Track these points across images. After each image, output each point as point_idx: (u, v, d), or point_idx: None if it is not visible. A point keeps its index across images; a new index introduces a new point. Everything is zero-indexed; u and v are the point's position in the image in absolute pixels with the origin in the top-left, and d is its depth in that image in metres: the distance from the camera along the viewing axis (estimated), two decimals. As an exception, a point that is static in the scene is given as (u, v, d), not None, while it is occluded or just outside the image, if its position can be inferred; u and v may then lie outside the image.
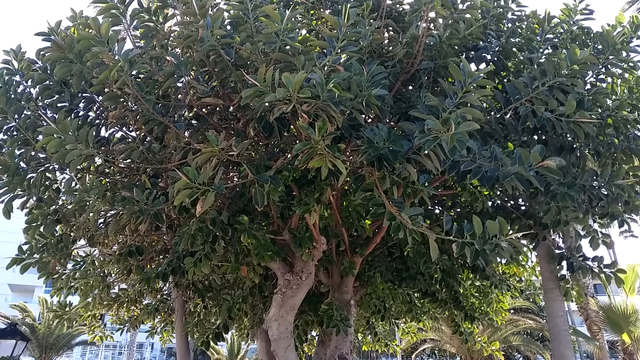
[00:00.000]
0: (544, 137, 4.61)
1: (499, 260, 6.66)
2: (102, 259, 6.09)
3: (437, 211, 6.47)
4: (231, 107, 4.41)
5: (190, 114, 4.76)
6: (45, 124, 3.67)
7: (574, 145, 4.70)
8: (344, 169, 3.11)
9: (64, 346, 24.51)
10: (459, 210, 6.21)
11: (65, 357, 35.04)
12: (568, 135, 4.48)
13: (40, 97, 4.41)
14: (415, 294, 7.43)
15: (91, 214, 4.42)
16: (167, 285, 7.76)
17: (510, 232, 3.22)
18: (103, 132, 4.95)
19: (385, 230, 5.51)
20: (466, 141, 2.95)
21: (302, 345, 7.54)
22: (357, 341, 10.37)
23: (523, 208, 5.71)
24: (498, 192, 5.74)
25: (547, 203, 4.32)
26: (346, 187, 5.47)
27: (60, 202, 4.78)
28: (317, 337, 7.46)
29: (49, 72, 4.25)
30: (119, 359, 38.00)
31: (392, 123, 4.28)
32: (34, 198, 4.47)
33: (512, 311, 21.50)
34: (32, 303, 29.08)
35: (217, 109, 4.52)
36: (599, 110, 4.21)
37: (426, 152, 3.13)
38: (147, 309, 8.01)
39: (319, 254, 5.11)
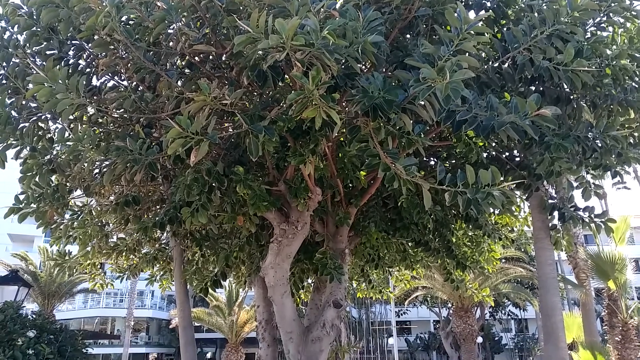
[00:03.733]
0: (541, 88, 4.56)
1: (491, 210, 6.75)
2: (99, 208, 6.13)
3: (432, 163, 6.50)
4: (224, 56, 4.32)
5: (182, 62, 4.67)
6: (34, 72, 3.60)
7: (571, 97, 4.66)
8: (339, 120, 3.09)
9: (66, 293, 25.13)
10: (453, 161, 6.23)
11: (67, 304, 36.07)
12: (565, 86, 4.44)
13: (28, 44, 4.30)
14: (409, 243, 7.58)
15: (85, 164, 4.41)
16: (165, 234, 7.86)
17: (504, 182, 3.24)
18: (94, 81, 4.87)
19: (380, 181, 5.54)
20: (461, 90, 2.91)
21: (298, 292, 7.76)
22: (352, 288, 10.67)
23: (517, 159, 5.73)
24: (493, 143, 5.74)
25: (541, 154, 4.33)
26: (341, 139, 5.45)
27: (55, 152, 4.75)
28: (312, 285, 7.67)
29: (35, 17, 4.11)
30: (121, 306, 39.03)
31: (388, 72, 4.21)
32: (28, 148, 4.44)
33: (503, 260, 22.05)
34: (32, 252, 29.53)
35: (210, 57, 4.42)
36: (598, 59, 4.15)
37: (421, 101, 3.10)
38: (146, 257, 8.15)
39: (314, 204, 5.17)
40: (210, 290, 6.81)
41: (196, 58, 4.46)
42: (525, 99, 3.34)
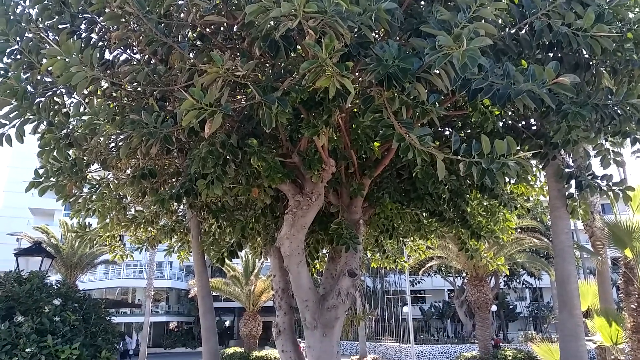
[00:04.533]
0: (559, 55, 4.44)
1: (507, 179, 6.70)
2: (116, 181, 6.23)
3: (446, 133, 6.44)
4: (235, 27, 4.28)
5: (194, 34, 4.63)
6: (47, 47, 3.61)
7: (590, 63, 4.54)
8: (352, 89, 3.06)
9: (87, 265, 25.83)
10: (469, 131, 6.16)
11: (89, 275, 37.12)
12: (584, 52, 4.32)
13: (40, 19, 4.30)
14: (423, 214, 7.58)
15: (102, 138, 4.46)
16: (182, 206, 7.99)
17: (520, 151, 3.21)
18: (107, 55, 4.87)
19: (394, 152, 5.52)
20: (478, 58, 2.85)
21: (313, 262, 7.86)
22: (366, 259, 10.77)
23: (534, 128, 5.65)
24: (509, 112, 5.65)
25: (558, 122, 4.25)
26: (355, 109, 5.41)
27: (71, 126, 4.81)
28: (327, 255, 7.76)
29: (46, -10, 4.10)
30: (140, 277, 40.05)
31: (402, 40, 4.14)
32: (45, 122, 4.49)
33: (518, 230, 22.00)
34: (53, 225, 30.30)
35: (221, 28, 4.38)
36: (619, 24, 4.02)
37: (436, 70, 3.05)
38: (164, 229, 8.31)
39: (328, 175, 5.18)
40: (227, 260, 6.93)
41: (207, 30, 4.42)
42: (543, 66, 3.27)
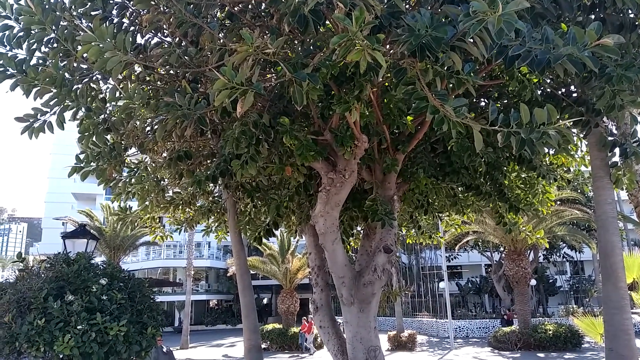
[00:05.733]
0: (601, 15, 4.22)
1: (546, 150, 6.49)
2: (154, 164, 6.37)
3: (482, 103, 6.26)
4: (263, 4, 4.25)
5: (223, 14, 4.63)
6: (81, 34, 3.68)
7: (636, 22, 4.29)
8: (384, 62, 2.99)
9: (129, 246, 26.84)
10: (505, 101, 5.97)
11: (131, 256, 38.55)
12: (630, 11, 4.08)
13: (73, 6, 4.38)
14: (459, 188, 7.46)
15: (137, 122, 4.55)
16: (218, 187, 8.13)
17: (560, 120, 3.09)
18: (139, 39, 4.94)
19: (428, 125, 5.42)
20: (515, 23, 2.73)
21: (348, 239, 7.88)
22: (401, 235, 10.72)
23: (575, 95, 5.42)
24: (548, 79, 5.44)
25: (601, 87, 4.05)
26: (386, 84, 5.32)
27: (108, 112, 4.93)
28: (362, 232, 7.77)
29: (78, -23, 4.17)
30: (180, 257, 41.31)
31: (434, 8, 4.01)
32: (83, 108, 4.62)
33: (558, 202, 21.41)
34: (95, 209, 31.48)
35: (249, 5, 4.35)
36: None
37: (471, 37, 2.95)
38: (201, 210, 8.50)
39: (360, 152, 5.14)
40: (263, 239, 7.04)
41: (236, 8, 4.41)
42: (584, 28, 3.11)
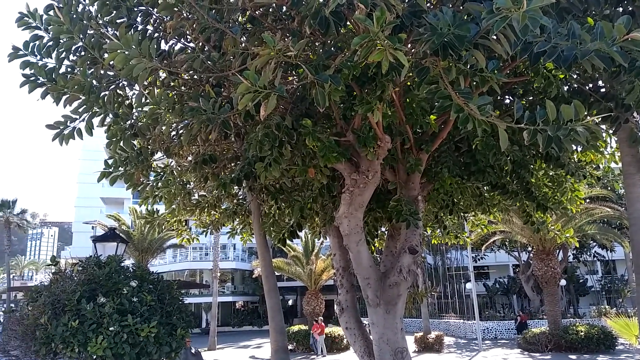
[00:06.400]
0: (630, 8, 4.11)
1: (574, 147, 6.34)
2: (179, 168, 6.48)
3: (507, 101, 6.16)
4: (284, 7, 4.27)
5: (244, 18, 4.68)
6: (108, 42, 3.77)
7: (668, 13, 4.16)
8: (406, 61, 2.98)
9: (157, 249, 27.32)
10: (531, 98, 5.87)
11: (159, 259, 39.22)
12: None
13: (100, 15, 4.50)
14: (485, 187, 7.35)
15: (164, 127, 4.63)
16: (242, 189, 8.21)
17: (588, 116, 3.02)
18: (163, 46, 5.04)
19: (452, 124, 5.36)
20: (540, 19, 2.68)
21: (372, 240, 7.85)
22: (426, 235, 10.61)
23: (603, 90, 5.28)
24: (574, 75, 5.32)
25: (630, 82, 3.95)
26: (409, 83, 5.29)
27: (134, 117, 5.04)
28: (386, 232, 7.73)
29: (104, -14, 4.28)
30: (206, 259, 41.81)
31: (456, 6, 3.97)
32: (111, 114, 4.73)
33: (587, 200, 20.90)
34: (123, 213, 32.14)
35: (270, 9, 4.39)
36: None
37: (495, 34, 2.91)
38: (226, 212, 8.61)
39: (383, 152, 5.12)
40: (287, 240, 7.08)
41: (257, 12, 4.45)
42: (612, 22, 3.03)
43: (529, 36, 2.93)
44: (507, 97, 6.11)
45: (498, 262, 43.22)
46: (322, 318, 23.23)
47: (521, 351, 20.42)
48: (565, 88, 5.39)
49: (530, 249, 28.36)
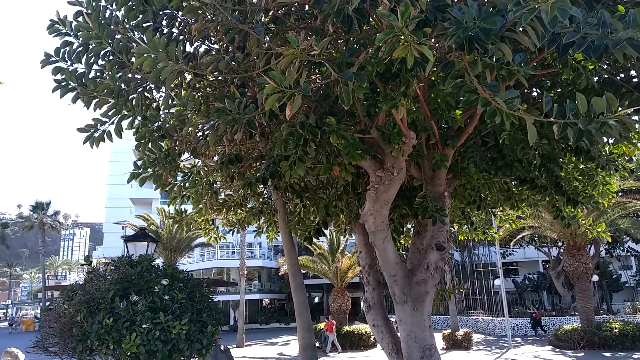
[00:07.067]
0: (664, -7, 3.97)
1: (606, 140, 6.17)
2: (206, 168, 6.58)
3: (534, 94, 6.04)
4: (307, 6, 4.28)
5: (267, 18, 4.71)
6: (135, 46, 3.85)
7: None
8: (431, 56, 2.95)
9: (185, 248, 27.81)
10: (559, 90, 5.73)
11: (187, 257, 39.88)
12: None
13: (126, 20, 4.59)
14: (513, 182, 7.22)
15: (190, 128, 4.71)
16: (267, 188, 8.28)
17: (620, 108, 2.93)
18: (188, 48, 5.12)
19: (479, 119, 5.29)
20: (569, 9, 2.63)
21: (398, 238, 7.81)
22: (453, 232, 10.50)
23: (635, 80, 5.13)
24: (605, 65, 5.17)
25: (666, 71, 3.83)
26: (433, 78, 5.23)
27: (162, 119, 5.13)
28: (412, 229, 7.68)
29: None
30: (233, 257, 42.31)
31: None
32: (139, 117, 4.83)
33: (620, 193, 20.31)
34: (152, 213, 32.79)
35: (293, 8, 4.41)
36: None
37: (522, 27, 2.85)
38: (252, 211, 8.69)
39: (408, 148, 5.08)
40: (313, 238, 7.10)
41: (279, 12, 4.48)
42: (646, 9, 2.94)
43: (557, 27, 2.87)
44: (534, 89, 5.98)
45: (527, 257, 42.44)
46: (331, 316, 23.23)
47: (552, 348, 20.02)
48: (595, 79, 5.25)
49: (560, 244, 27.77)
